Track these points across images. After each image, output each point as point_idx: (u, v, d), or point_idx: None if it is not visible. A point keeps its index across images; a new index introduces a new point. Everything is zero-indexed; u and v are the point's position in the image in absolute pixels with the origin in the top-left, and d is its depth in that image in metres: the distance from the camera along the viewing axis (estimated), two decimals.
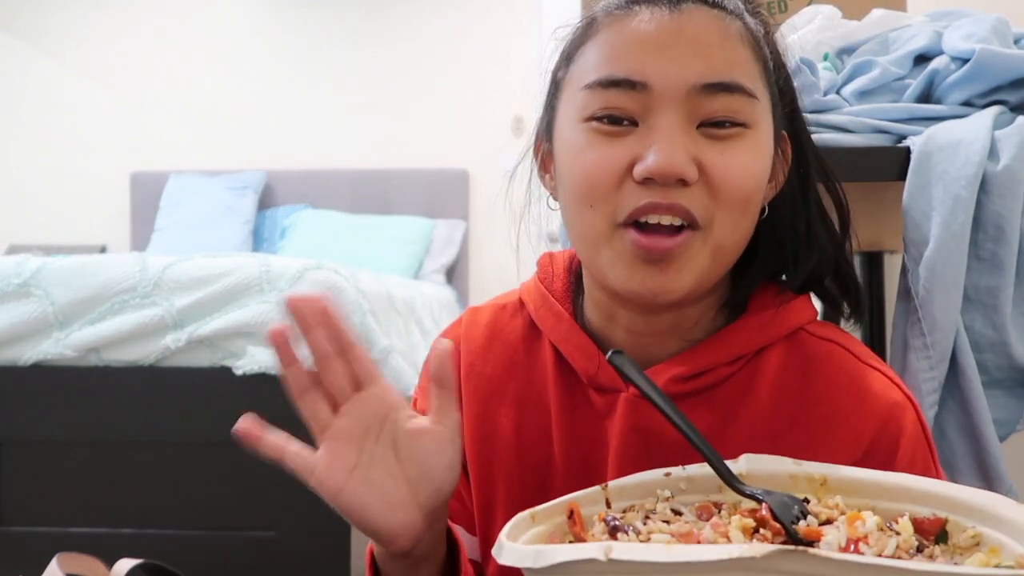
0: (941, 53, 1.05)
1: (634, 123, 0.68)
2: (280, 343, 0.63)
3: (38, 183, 4.10)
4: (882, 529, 0.52)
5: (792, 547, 0.45)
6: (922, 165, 0.95)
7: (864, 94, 1.06)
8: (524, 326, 0.82)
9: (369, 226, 3.62)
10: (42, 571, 1.07)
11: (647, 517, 0.60)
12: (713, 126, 0.67)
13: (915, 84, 1.04)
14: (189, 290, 1.80)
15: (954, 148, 0.94)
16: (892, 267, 1.91)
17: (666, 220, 0.66)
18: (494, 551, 0.54)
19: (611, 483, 0.64)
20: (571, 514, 0.60)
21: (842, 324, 0.81)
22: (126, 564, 1.11)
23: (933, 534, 0.55)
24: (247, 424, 0.64)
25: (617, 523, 0.58)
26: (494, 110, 3.95)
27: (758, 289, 0.77)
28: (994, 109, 0.99)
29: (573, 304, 0.80)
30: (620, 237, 0.68)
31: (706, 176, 0.66)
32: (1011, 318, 0.93)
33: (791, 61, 0.77)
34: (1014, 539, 0.51)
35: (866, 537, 0.51)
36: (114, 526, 1.81)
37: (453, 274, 3.77)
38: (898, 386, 0.74)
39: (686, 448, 0.62)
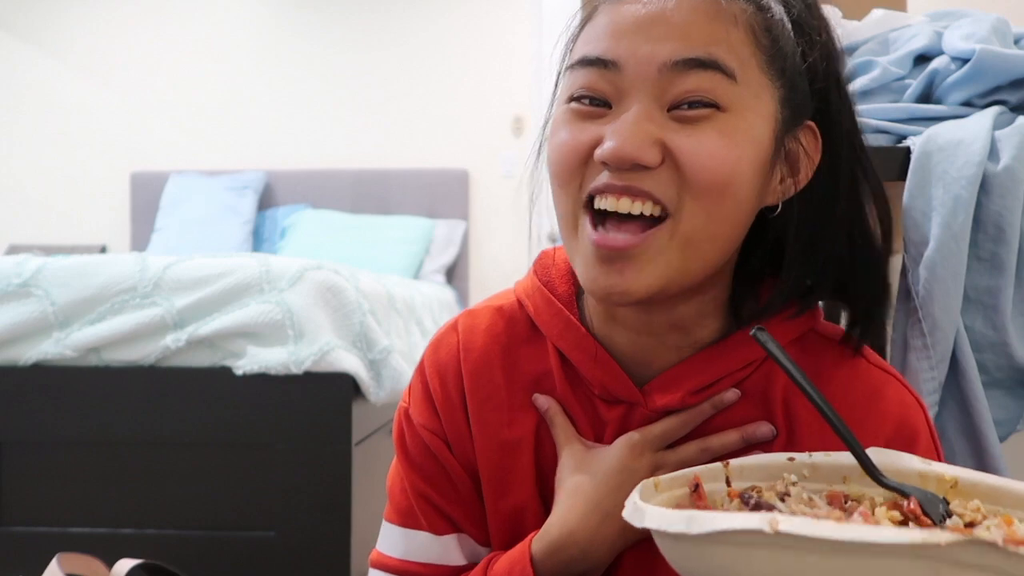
0: (941, 53, 1.05)
1: (610, 105, 0.66)
2: None
3: (38, 183, 4.10)
4: None
5: (982, 538, 0.42)
6: (922, 165, 0.95)
7: (864, 94, 1.06)
8: (524, 329, 0.79)
9: (369, 226, 3.62)
10: (42, 571, 1.07)
11: (781, 499, 0.57)
12: (683, 107, 0.64)
13: (915, 84, 1.04)
14: (189, 290, 1.79)
15: (954, 148, 0.94)
16: (892, 267, 1.91)
17: (624, 206, 0.64)
18: (630, 515, 0.53)
19: (732, 461, 0.62)
20: (696, 487, 0.58)
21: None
22: (126, 564, 1.10)
23: None
24: None
25: (759, 501, 0.55)
26: (494, 110, 3.95)
27: (764, 290, 0.75)
28: (994, 109, 0.99)
29: (578, 307, 0.77)
30: (583, 227, 0.67)
31: (673, 158, 0.64)
32: (1011, 318, 0.93)
33: (837, 46, 0.72)
34: None
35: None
36: (114, 526, 1.80)
37: (453, 274, 3.78)
38: (908, 389, 0.73)
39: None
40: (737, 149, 0.65)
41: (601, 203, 0.65)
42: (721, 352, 0.72)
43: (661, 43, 0.64)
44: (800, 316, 0.73)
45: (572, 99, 0.68)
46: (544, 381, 0.77)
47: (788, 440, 0.72)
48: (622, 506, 0.69)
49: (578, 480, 0.72)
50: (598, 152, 0.65)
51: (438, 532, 0.79)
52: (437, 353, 0.81)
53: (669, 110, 0.65)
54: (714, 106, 0.64)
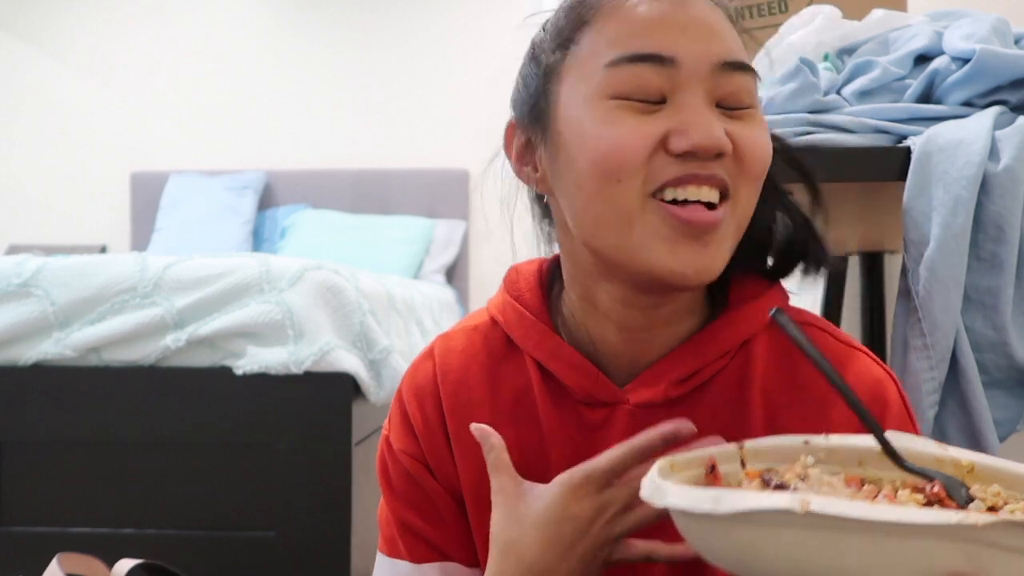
0: (941, 53, 1.05)
1: (662, 100, 0.68)
2: None
3: (38, 183, 4.10)
4: None
5: (1019, 520, 0.42)
6: (922, 165, 0.95)
7: (864, 94, 1.06)
8: (501, 345, 0.79)
9: (369, 226, 3.62)
10: (42, 571, 1.07)
11: (801, 480, 0.56)
12: (732, 107, 0.69)
13: (915, 84, 1.04)
14: (189, 290, 1.79)
15: (954, 148, 0.94)
16: (892, 267, 1.91)
17: (704, 195, 0.66)
18: (649, 495, 0.51)
19: (747, 443, 0.61)
20: (712, 468, 0.58)
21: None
22: (126, 564, 1.11)
23: None
24: None
25: (781, 483, 0.54)
26: (494, 110, 3.95)
27: (736, 277, 0.77)
28: (994, 109, 0.99)
29: (551, 317, 0.78)
30: (654, 211, 0.67)
31: (736, 148, 0.68)
32: (1011, 318, 0.93)
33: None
34: None
35: None
36: (114, 526, 1.80)
37: (453, 274, 3.77)
38: (878, 362, 0.75)
39: None
40: (769, 140, 0.71)
41: (681, 193, 0.66)
42: (701, 342, 0.74)
43: (710, 42, 0.68)
44: (769, 295, 0.76)
45: (620, 95, 0.67)
46: (525, 395, 0.77)
47: (769, 426, 0.72)
48: (564, 559, 0.66)
49: (510, 537, 0.68)
50: (679, 143, 0.66)
51: (417, 560, 0.78)
52: (414, 378, 0.81)
53: (716, 105, 0.68)
54: (752, 106, 0.70)
